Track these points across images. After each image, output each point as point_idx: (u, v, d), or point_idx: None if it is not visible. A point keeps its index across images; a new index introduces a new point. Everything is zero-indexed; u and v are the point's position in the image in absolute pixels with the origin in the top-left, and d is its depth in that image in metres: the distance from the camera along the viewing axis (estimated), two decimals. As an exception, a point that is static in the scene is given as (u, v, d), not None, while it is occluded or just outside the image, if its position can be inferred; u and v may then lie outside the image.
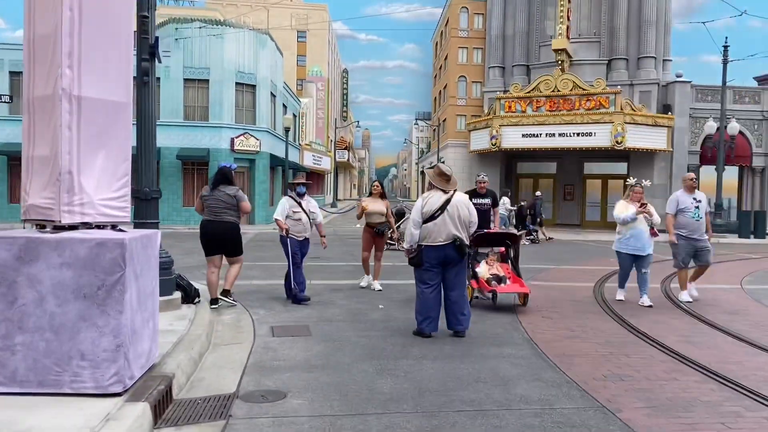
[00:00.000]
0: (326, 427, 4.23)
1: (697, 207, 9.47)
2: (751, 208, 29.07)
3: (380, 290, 10.13)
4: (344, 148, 60.90)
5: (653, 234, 9.08)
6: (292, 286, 8.97)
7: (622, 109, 26.78)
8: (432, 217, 6.99)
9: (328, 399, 4.80)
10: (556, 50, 28.86)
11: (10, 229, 4.91)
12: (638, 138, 27.13)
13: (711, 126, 26.40)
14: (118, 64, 4.87)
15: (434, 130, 50.81)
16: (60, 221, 4.47)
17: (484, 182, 10.29)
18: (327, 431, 4.17)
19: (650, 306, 8.99)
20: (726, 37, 26.31)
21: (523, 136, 28.68)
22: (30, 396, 4.21)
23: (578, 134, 27.43)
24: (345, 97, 69.16)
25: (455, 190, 7.27)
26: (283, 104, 32.48)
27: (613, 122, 26.62)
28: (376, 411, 4.55)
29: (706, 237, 9.65)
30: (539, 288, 10.49)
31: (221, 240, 8.34)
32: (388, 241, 12.44)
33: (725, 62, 26.40)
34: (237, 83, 26.28)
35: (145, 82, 7.60)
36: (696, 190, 9.64)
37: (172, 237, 19.86)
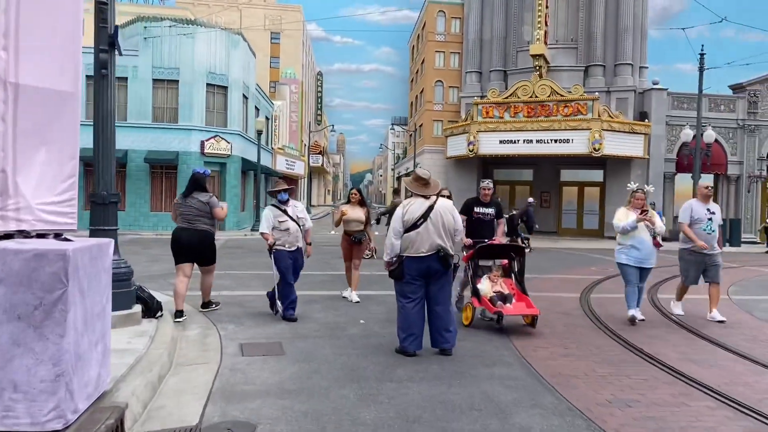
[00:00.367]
0: (302, 470, 3.64)
1: (711, 219, 8.77)
2: (726, 216, 29.08)
3: (358, 302, 9.57)
4: (318, 153, 60.20)
5: (656, 245, 8.33)
6: (277, 304, 8.15)
7: (599, 115, 26.62)
8: (414, 226, 6.43)
9: (304, 433, 4.21)
10: (533, 56, 28.62)
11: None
12: (615, 145, 26.99)
13: (687, 133, 26.34)
14: (64, 48, 4.25)
15: (411, 135, 50.39)
16: (-11, 229, 3.83)
17: (489, 189, 8.83)
18: (303, 476, 3.58)
19: (642, 320, 8.42)
20: (702, 45, 26.30)
21: (501, 142, 28.38)
22: (-51, 437, 3.56)
23: (556, 141, 27.21)
24: (319, 100, 68.43)
25: (439, 195, 6.74)
26: (256, 107, 31.75)
27: (590, 129, 26.44)
28: (359, 448, 3.97)
29: (718, 251, 8.93)
30: (525, 299, 10.00)
31: (194, 248, 8.13)
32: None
33: (701, 70, 26.35)
34: (208, 84, 25.53)
35: (103, 75, 6.94)
36: (711, 201, 8.96)
37: (138, 243, 19.06)
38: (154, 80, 24.76)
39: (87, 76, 23.45)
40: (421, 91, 44.84)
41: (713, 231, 8.81)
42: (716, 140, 28.04)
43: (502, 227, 8.91)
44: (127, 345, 6.09)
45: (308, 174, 51.98)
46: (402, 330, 6.48)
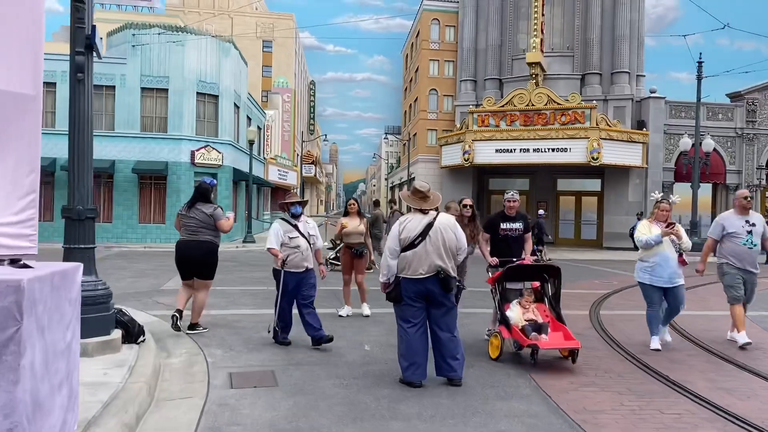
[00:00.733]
0: None
1: (750, 232, 7.80)
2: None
3: (368, 316, 9.28)
4: (311, 163, 59.63)
5: (682, 262, 7.48)
6: (273, 322, 7.46)
7: (597, 124, 26.20)
8: (411, 245, 5.86)
9: (301, 491, 3.62)
10: (530, 63, 28.21)
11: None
12: (613, 154, 26.58)
13: (686, 142, 25.95)
14: (22, 45, 3.66)
15: (404, 144, 49.86)
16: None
17: (515, 202, 7.79)
18: None
19: (657, 348, 7.49)
20: (700, 53, 25.99)
21: (497, 151, 27.91)
22: None
23: (553, 150, 26.76)
24: (312, 109, 67.88)
25: (438, 211, 6.16)
26: (248, 116, 31.18)
27: (588, 138, 26.00)
28: None
29: (758, 270, 8.04)
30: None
31: (196, 261, 7.92)
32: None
33: (699, 78, 26.04)
34: (198, 93, 24.93)
35: (79, 79, 6.35)
36: (750, 212, 7.99)
37: (124, 257, 18.40)
38: (143, 89, 24.14)
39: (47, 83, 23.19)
40: (415, 100, 44.40)
41: (754, 246, 7.85)
42: (715, 149, 27.68)
43: (530, 243, 7.95)
44: (102, 377, 5.48)
45: (301, 184, 51.37)
46: (404, 358, 5.89)
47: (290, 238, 7.41)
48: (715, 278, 8.64)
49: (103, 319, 6.40)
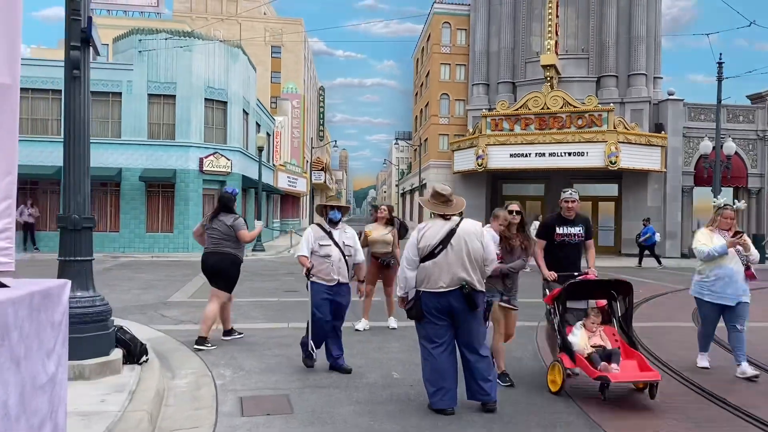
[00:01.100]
0: None
1: None
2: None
3: (394, 328, 8.82)
4: (321, 169, 59.07)
5: (750, 276, 6.60)
6: (309, 343, 6.54)
7: (615, 127, 25.52)
8: (431, 254, 5.25)
9: None
10: (544, 66, 27.57)
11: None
12: (632, 158, 25.87)
13: (707, 145, 25.20)
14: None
15: (415, 150, 49.28)
16: None
17: (574, 202, 6.56)
18: None
19: (755, 377, 6.41)
20: (720, 54, 25.27)
21: (512, 155, 27.26)
22: None
23: (569, 154, 26.08)
24: (321, 115, 67.45)
25: (462, 216, 5.54)
26: (257, 122, 30.70)
27: (606, 141, 25.32)
28: None
29: None
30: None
31: (214, 272, 7.81)
32: None
33: (720, 79, 25.28)
34: (206, 99, 24.43)
35: (75, 76, 5.82)
36: None
37: (130, 267, 17.88)
38: (150, 95, 23.66)
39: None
40: (426, 105, 43.85)
41: None
42: (736, 152, 26.90)
43: (593, 252, 6.75)
44: (99, 405, 4.93)
45: (311, 191, 50.91)
46: (430, 383, 5.27)
47: (320, 246, 6.58)
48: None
49: (101, 338, 5.84)
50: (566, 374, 5.73)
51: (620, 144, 25.40)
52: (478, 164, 28.05)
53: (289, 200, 44.29)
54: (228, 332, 8.16)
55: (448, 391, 5.21)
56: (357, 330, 8.70)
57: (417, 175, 45.78)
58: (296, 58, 57.08)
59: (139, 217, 23.45)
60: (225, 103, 25.20)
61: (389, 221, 9.17)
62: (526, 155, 26.89)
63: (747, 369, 6.48)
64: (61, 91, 21.95)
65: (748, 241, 6.70)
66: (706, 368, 6.83)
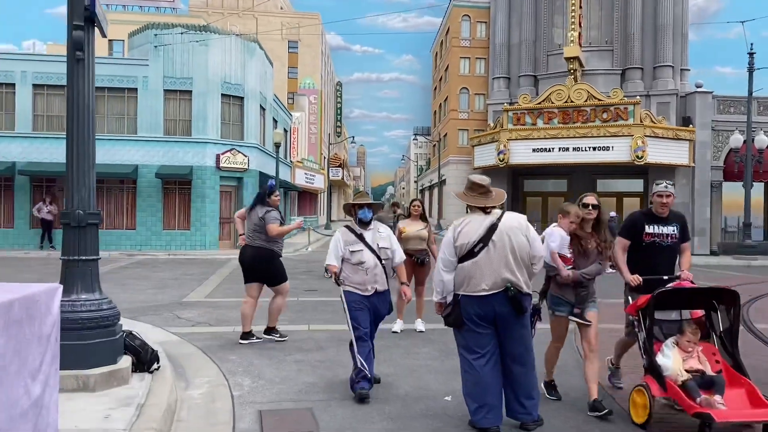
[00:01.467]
0: None
1: None
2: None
3: (422, 331, 8.28)
4: (338, 166, 58.59)
5: None
6: (357, 359, 5.49)
7: (641, 121, 24.78)
8: (470, 253, 4.65)
9: None
10: (568, 58, 26.90)
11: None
12: (659, 152, 25.12)
13: (737, 139, 24.35)
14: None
15: (434, 145, 48.65)
16: None
17: (669, 196, 5.42)
18: None
19: None
20: (751, 44, 24.40)
21: (534, 150, 26.62)
22: None
23: (594, 148, 25.38)
24: (339, 111, 66.97)
25: (503, 209, 4.90)
26: (274, 118, 30.28)
27: (632, 135, 24.60)
28: None
29: None
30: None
31: (254, 267, 7.74)
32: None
33: (751, 70, 24.44)
34: (223, 95, 24.02)
35: (78, 59, 5.32)
36: None
37: (146, 265, 17.48)
38: (166, 91, 23.30)
39: (34, 85, 22.50)
40: (445, 99, 43.22)
41: None
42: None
43: (688, 256, 5.60)
44: (102, 422, 4.44)
45: (328, 188, 50.43)
46: (471, 398, 4.70)
47: (351, 252, 5.74)
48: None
49: (108, 344, 5.36)
50: (652, 403, 4.70)
51: (647, 138, 24.69)
52: (499, 159, 27.42)
53: (306, 197, 43.86)
54: (246, 335, 7.78)
55: (492, 408, 4.62)
56: (394, 332, 8.18)
57: (436, 171, 45.21)
58: (313, 53, 56.65)
59: (156, 214, 23.12)
60: (242, 98, 24.79)
61: (423, 216, 8.71)
62: (549, 150, 26.24)
63: None
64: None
65: None
66: None
